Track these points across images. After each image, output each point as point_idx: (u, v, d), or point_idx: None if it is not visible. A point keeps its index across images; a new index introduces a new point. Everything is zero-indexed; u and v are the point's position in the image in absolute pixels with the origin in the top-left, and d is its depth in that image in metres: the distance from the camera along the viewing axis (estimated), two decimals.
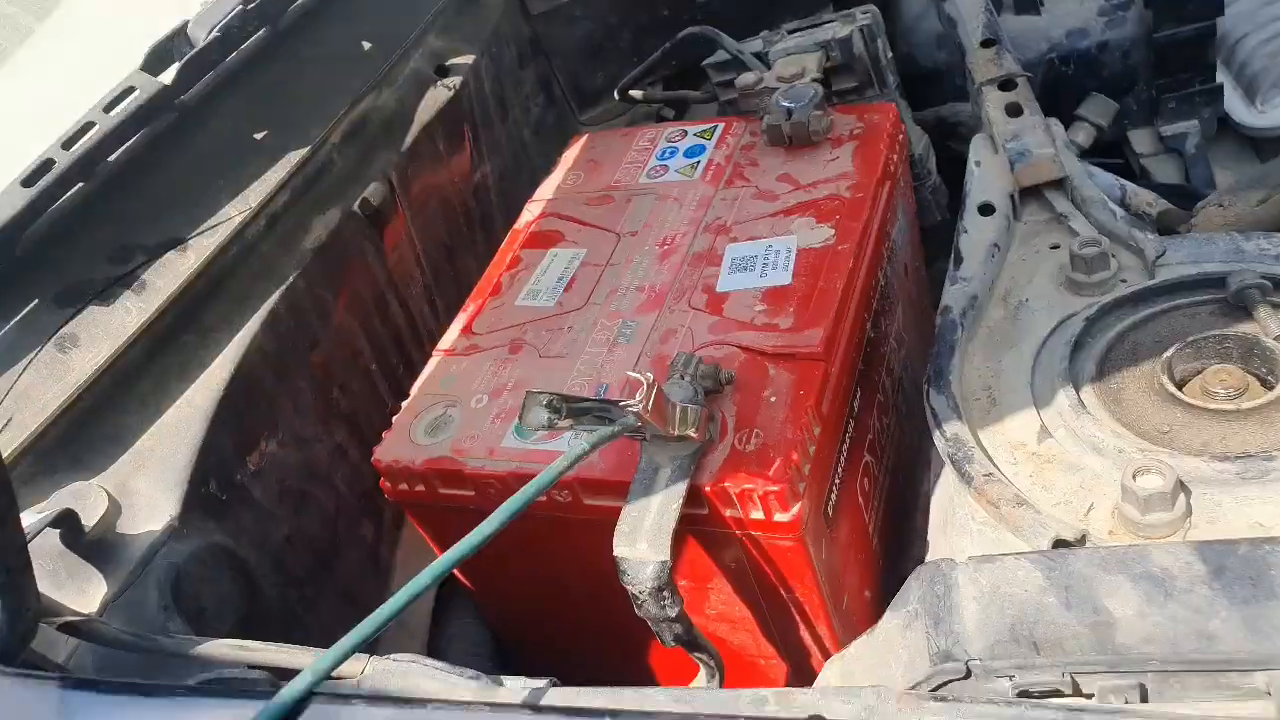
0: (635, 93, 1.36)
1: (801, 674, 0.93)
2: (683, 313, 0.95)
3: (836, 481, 0.88)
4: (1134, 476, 0.69)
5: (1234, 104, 1.39)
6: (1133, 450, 0.74)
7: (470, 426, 0.91)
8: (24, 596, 0.65)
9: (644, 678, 1.03)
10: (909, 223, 1.13)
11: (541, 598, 1.00)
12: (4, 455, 0.66)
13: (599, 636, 1.00)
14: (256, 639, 0.85)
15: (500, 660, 1.12)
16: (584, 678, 0.67)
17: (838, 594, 0.89)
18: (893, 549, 1.06)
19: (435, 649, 1.11)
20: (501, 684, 0.63)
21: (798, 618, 0.87)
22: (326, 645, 0.76)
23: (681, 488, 0.76)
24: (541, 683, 0.64)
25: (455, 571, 1.04)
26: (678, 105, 1.41)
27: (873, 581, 0.99)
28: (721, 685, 0.82)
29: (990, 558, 0.64)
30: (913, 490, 1.13)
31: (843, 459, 0.89)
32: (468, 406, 0.93)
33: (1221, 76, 1.37)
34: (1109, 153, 1.41)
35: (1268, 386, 0.78)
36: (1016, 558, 0.64)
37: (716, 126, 1.17)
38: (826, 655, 0.90)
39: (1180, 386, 0.81)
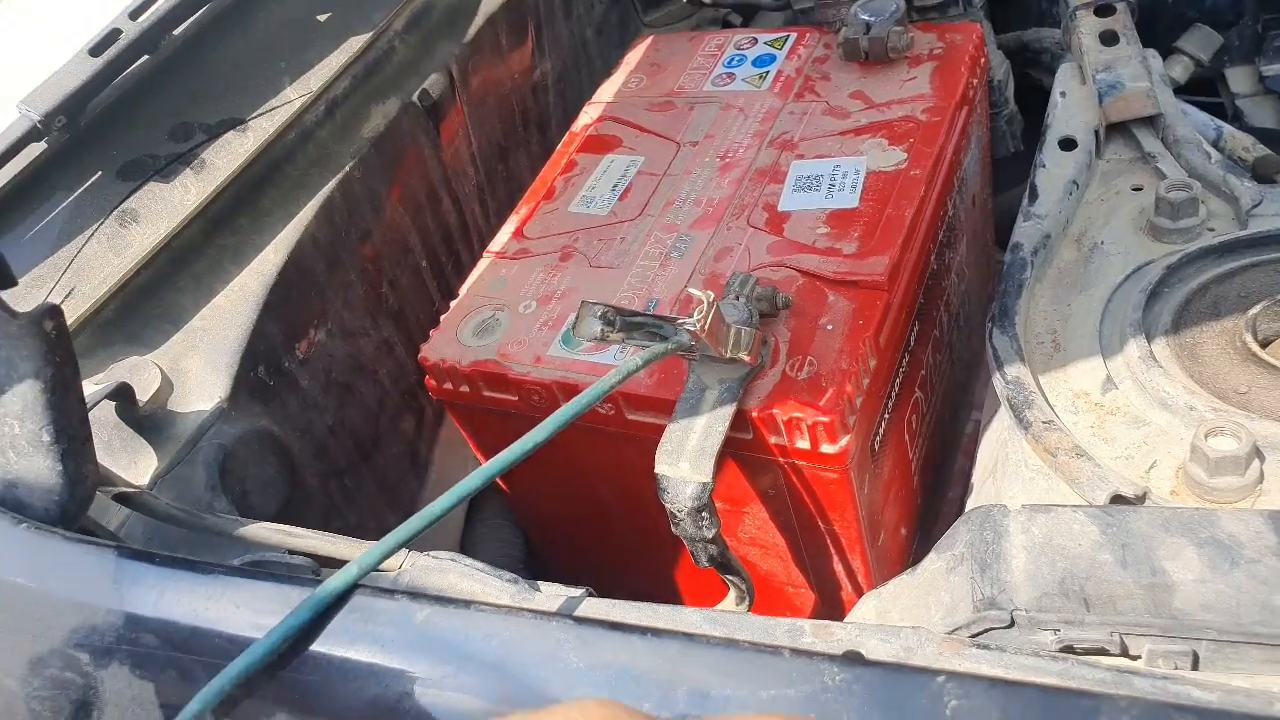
0: None
1: (830, 605, 0.92)
2: (740, 230, 0.92)
3: (885, 416, 0.86)
4: (1206, 436, 0.66)
5: None
6: (1205, 409, 0.71)
7: (517, 331, 0.90)
8: (84, 464, 0.66)
9: (670, 594, 1.03)
10: (981, 152, 1.08)
11: (575, 506, 1.00)
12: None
13: (628, 549, 1.00)
14: (296, 526, 0.85)
15: (530, 561, 1.13)
16: (610, 588, 0.67)
17: (875, 529, 0.88)
18: (931, 488, 1.05)
19: (467, 544, 1.13)
20: (539, 589, 0.63)
21: (833, 550, 0.87)
22: (363, 537, 0.77)
23: (728, 411, 0.74)
24: (577, 592, 0.63)
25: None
26: (746, 11, 1.35)
27: (910, 519, 0.98)
28: (750, 610, 0.82)
29: (1045, 507, 0.62)
30: (955, 430, 1.11)
31: (894, 394, 0.87)
32: (516, 311, 0.92)
33: None
34: (1202, 91, 1.33)
35: None
36: (1073, 510, 0.61)
37: (789, 36, 1.12)
38: (858, 590, 0.89)
39: (1265, 345, 0.77)
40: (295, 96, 0.89)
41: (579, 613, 0.60)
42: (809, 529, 0.86)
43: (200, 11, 0.89)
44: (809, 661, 0.48)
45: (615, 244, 0.95)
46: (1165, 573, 0.57)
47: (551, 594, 0.63)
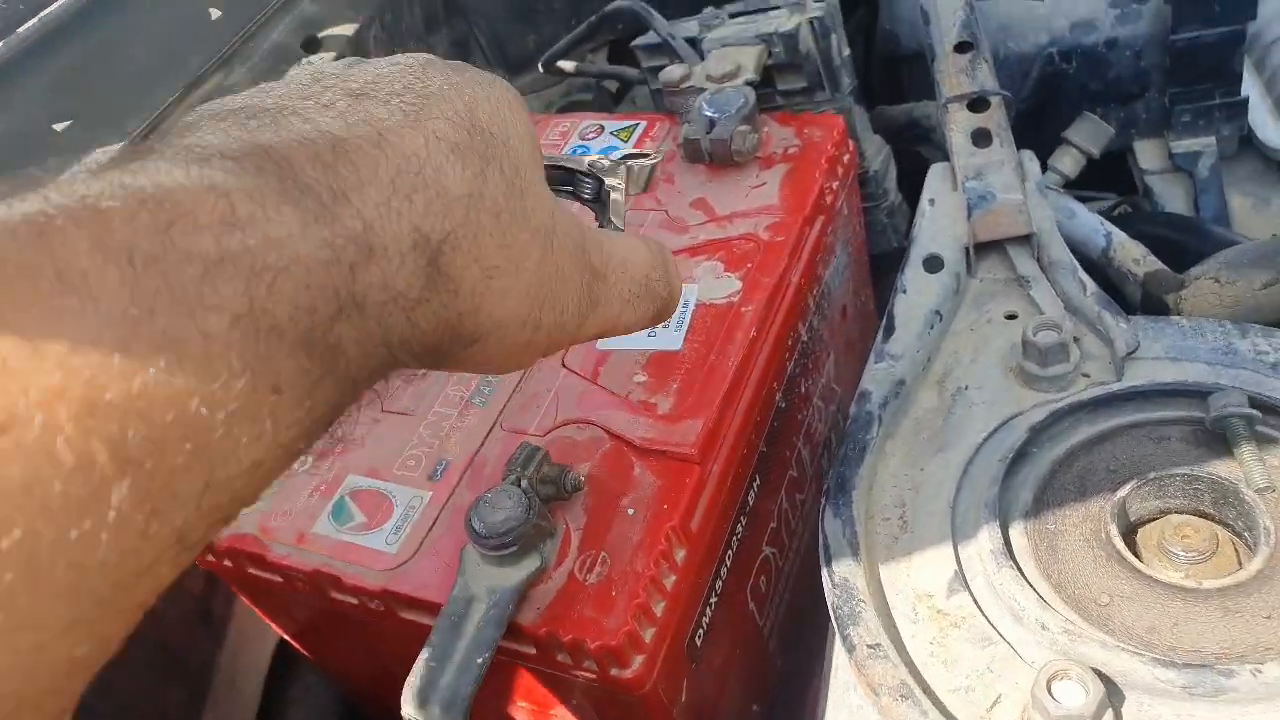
0: (566, 64, 1.17)
1: None
2: (553, 372, 0.79)
3: (713, 601, 0.73)
4: (1048, 684, 0.54)
5: (1261, 118, 1.20)
6: (1058, 628, 0.59)
7: (286, 497, 0.76)
8: None
9: None
10: (851, 257, 0.96)
11: (382, 686, 0.87)
12: None
13: None
14: None
15: None
16: None
17: None
18: (799, 634, 0.92)
19: (277, 704, 0.99)
20: None
21: None
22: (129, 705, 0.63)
23: (493, 636, 0.61)
24: None
25: (290, 640, 0.90)
26: (620, 89, 1.22)
27: (763, 691, 0.85)
28: None
29: None
30: None
31: (726, 568, 0.74)
32: (290, 467, 0.78)
33: (1248, 84, 1.18)
34: (1109, 167, 1.23)
35: (1240, 548, 0.63)
36: None
37: (638, 125, 0.99)
38: None
39: (1135, 529, 0.65)
40: None
41: None
42: None
43: None
44: None
45: (415, 382, 0.82)
46: None
47: None
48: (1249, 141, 1.19)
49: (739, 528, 0.76)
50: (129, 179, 0.29)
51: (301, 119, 0.35)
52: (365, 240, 0.33)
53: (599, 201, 0.59)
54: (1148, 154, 1.21)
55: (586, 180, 0.59)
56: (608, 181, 0.61)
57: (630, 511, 0.67)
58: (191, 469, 0.27)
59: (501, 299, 0.39)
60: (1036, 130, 1.20)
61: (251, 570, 0.76)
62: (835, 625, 0.63)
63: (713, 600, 0.73)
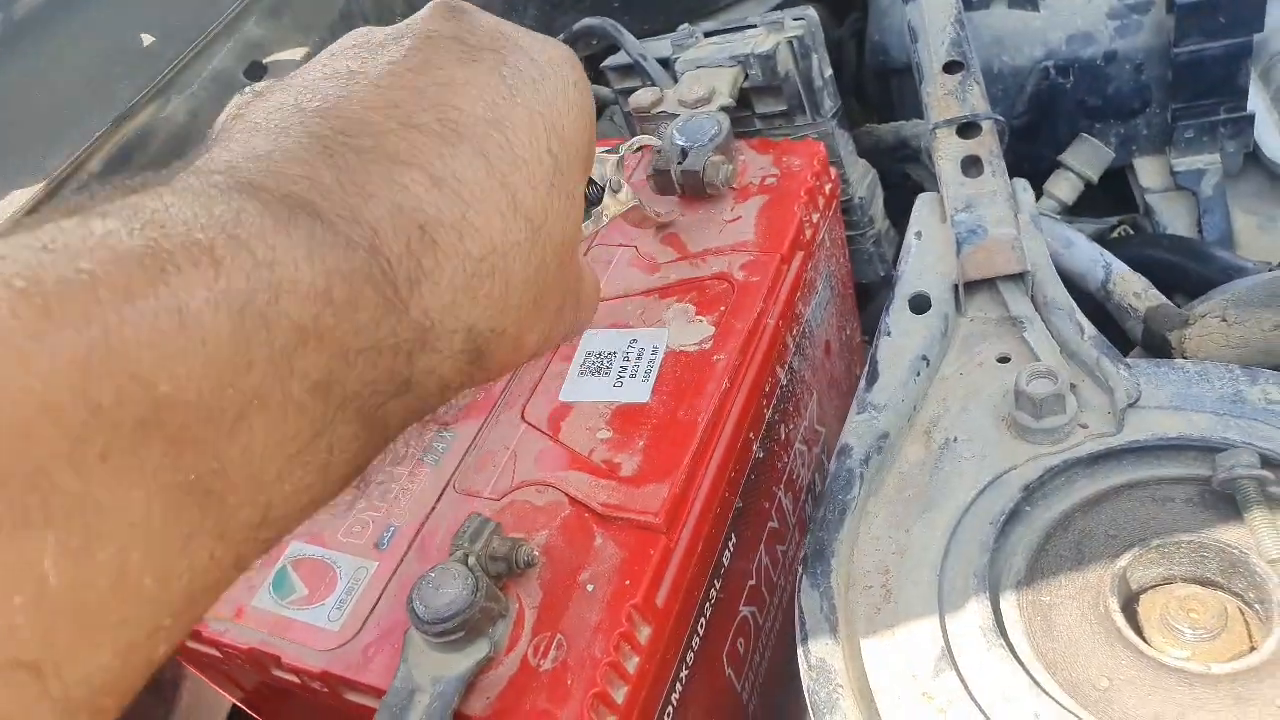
0: None
1: None
2: (512, 426, 0.74)
3: (684, 674, 0.68)
4: None
5: (1267, 134, 1.14)
6: (1053, 718, 0.54)
7: None
8: None
9: None
10: (835, 291, 0.90)
11: None
12: None
13: None
14: None
15: None
16: None
17: None
18: (788, 692, 0.87)
19: None
20: None
21: None
22: None
23: None
24: None
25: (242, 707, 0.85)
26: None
27: None
28: None
29: None
30: None
31: (698, 636, 0.69)
32: None
33: (1254, 98, 1.12)
34: (1108, 184, 1.17)
35: (1252, 621, 0.57)
36: None
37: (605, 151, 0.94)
38: None
39: (1137, 597, 0.60)
40: None
41: None
42: None
43: None
44: None
45: None
46: None
47: None
48: (1255, 158, 1.14)
49: (713, 591, 0.71)
50: (230, 224, 0.30)
51: (391, 167, 0.35)
52: (425, 333, 0.36)
53: (591, 204, 0.65)
54: (1148, 172, 1.15)
55: (594, 185, 0.66)
56: (606, 200, 0.68)
57: (590, 587, 0.62)
58: (255, 503, 0.30)
59: (520, 355, 0.43)
60: (1031, 148, 1.15)
61: (191, 645, 0.71)
62: (811, 714, 0.58)
63: (683, 673, 0.68)
